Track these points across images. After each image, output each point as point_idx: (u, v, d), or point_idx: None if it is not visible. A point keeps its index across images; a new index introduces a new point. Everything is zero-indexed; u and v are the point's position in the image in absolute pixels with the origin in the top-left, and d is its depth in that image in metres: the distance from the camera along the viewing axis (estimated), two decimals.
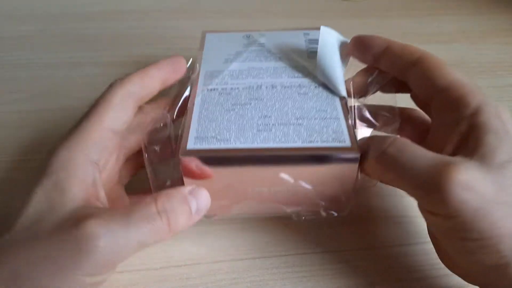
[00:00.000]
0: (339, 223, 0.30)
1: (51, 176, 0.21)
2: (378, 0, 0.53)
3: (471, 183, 0.20)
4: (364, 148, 0.24)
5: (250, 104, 0.27)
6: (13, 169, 0.33)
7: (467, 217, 0.20)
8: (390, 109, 0.28)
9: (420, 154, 0.21)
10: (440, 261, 0.25)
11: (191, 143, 0.24)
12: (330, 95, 0.28)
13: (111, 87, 0.25)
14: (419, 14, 0.49)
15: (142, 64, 0.27)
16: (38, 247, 0.20)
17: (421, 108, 0.29)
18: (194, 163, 0.23)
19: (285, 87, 0.29)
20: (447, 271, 0.25)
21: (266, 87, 0.29)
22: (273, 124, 0.26)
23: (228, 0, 0.52)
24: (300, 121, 0.26)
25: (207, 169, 0.24)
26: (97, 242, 0.19)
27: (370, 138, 0.24)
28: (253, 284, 0.27)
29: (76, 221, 0.20)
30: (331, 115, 0.26)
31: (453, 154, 0.22)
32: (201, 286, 0.27)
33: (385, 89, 0.28)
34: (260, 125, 0.26)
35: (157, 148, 0.25)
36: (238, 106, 0.27)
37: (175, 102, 0.27)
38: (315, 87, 0.29)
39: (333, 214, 0.27)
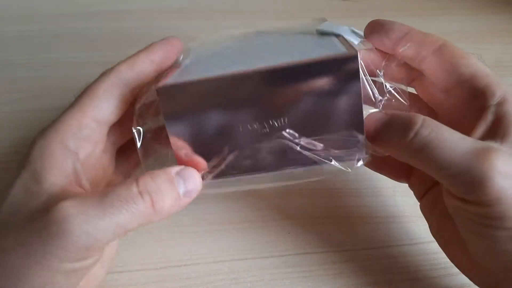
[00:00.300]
0: (339, 223, 0.30)
1: (29, 166, 0.21)
2: (378, 0, 0.53)
3: (509, 170, 0.19)
4: (383, 127, 0.22)
5: (239, 50, 0.25)
6: (13, 169, 0.33)
7: (506, 205, 0.19)
8: (400, 91, 0.26)
9: (457, 138, 0.20)
10: (440, 261, 0.25)
11: (168, 81, 0.22)
12: (330, 41, 0.24)
13: (99, 77, 0.24)
14: (419, 14, 0.49)
15: None
16: (11, 235, 0.19)
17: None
18: (183, 150, 0.23)
19: (282, 36, 0.26)
20: (447, 271, 0.25)
21: (260, 42, 0.26)
22: (262, 56, 0.23)
23: (228, 0, 0.52)
24: (293, 53, 0.23)
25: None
26: (68, 225, 0.18)
27: (392, 115, 0.22)
28: (253, 284, 0.27)
29: (49, 206, 0.19)
30: (329, 46, 0.23)
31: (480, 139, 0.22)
32: (201, 286, 0.27)
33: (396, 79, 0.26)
34: (248, 58, 0.23)
35: (146, 125, 0.23)
36: (226, 52, 0.25)
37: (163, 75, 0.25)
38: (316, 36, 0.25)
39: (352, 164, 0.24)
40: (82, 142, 0.22)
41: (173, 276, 0.27)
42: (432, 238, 0.26)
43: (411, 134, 0.21)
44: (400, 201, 0.31)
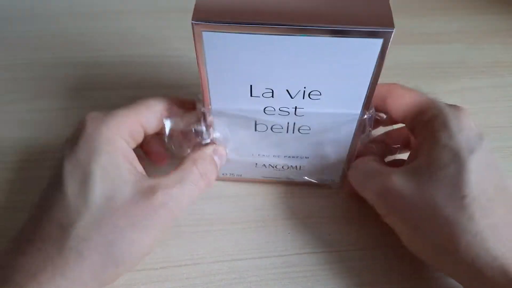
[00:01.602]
0: (339, 223, 0.30)
1: (102, 153, 0.24)
2: None
3: (395, 188, 0.24)
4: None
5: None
6: (13, 169, 0.33)
7: (395, 216, 0.25)
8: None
9: (369, 169, 0.27)
10: None
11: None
12: None
13: (153, 97, 0.28)
14: (419, 14, 0.49)
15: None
16: (123, 217, 0.23)
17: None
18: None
19: None
20: None
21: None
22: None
23: None
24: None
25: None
26: (167, 208, 0.24)
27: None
28: (253, 284, 0.27)
29: (147, 192, 0.24)
30: None
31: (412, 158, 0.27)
32: (201, 286, 0.27)
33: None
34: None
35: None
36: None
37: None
38: None
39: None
40: (131, 140, 0.26)
41: (173, 276, 0.27)
42: None
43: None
44: None
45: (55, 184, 0.23)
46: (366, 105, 0.25)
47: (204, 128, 0.27)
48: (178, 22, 0.46)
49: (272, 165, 0.31)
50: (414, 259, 0.28)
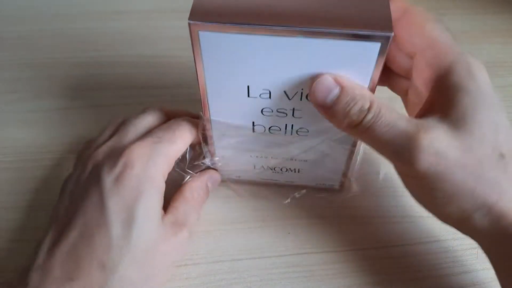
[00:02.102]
0: (340, 223, 0.30)
1: (147, 195, 0.25)
2: None
3: (436, 148, 0.21)
4: (332, 100, 0.23)
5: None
6: (13, 169, 0.33)
7: (432, 179, 0.22)
8: None
9: (394, 120, 0.22)
10: (441, 261, 0.25)
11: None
12: None
13: (183, 123, 0.28)
14: None
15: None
16: (159, 255, 0.25)
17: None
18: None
19: None
20: (448, 271, 0.25)
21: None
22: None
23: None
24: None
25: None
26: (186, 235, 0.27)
27: (343, 90, 0.23)
28: (253, 284, 0.27)
29: (175, 229, 0.26)
30: None
31: (427, 115, 0.23)
32: (201, 286, 0.27)
33: None
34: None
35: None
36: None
37: None
38: None
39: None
40: (167, 173, 0.27)
41: (173, 276, 0.27)
42: (433, 238, 0.26)
43: (358, 118, 0.22)
44: (400, 201, 0.31)
45: (98, 221, 0.23)
46: None
47: (206, 151, 0.29)
48: (178, 22, 0.46)
49: (271, 167, 0.30)
50: (415, 259, 0.28)
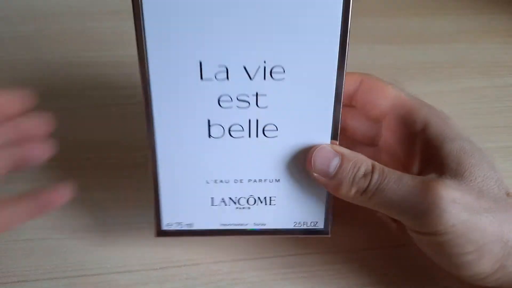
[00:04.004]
0: (340, 223, 0.30)
1: None
2: None
3: (455, 197, 0.20)
4: (334, 170, 0.22)
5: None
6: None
7: (459, 230, 0.20)
8: None
9: (398, 177, 0.22)
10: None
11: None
12: None
13: None
14: (419, 14, 0.49)
15: None
16: None
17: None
18: None
19: None
20: (447, 271, 0.25)
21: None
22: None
23: None
24: None
25: None
26: None
27: (344, 159, 0.22)
28: (253, 284, 0.27)
29: None
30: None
31: (420, 172, 0.23)
32: (201, 286, 0.27)
33: None
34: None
35: None
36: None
37: None
38: None
39: None
40: None
41: (173, 276, 0.27)
42: None
43: (365, 183, 0.22)
44: None
45: None
46: (339, 84, 0.21)
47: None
48: None
49: (234, 200, 0.25)
50: (415, 259, 0.28)
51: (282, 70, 0.21)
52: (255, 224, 0.25)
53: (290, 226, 0.25)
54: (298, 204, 0.25)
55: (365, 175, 0.22)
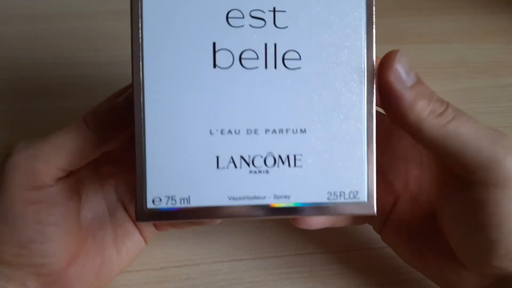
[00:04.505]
0: None
1: None
2: None
3: None
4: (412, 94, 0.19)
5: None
6: None
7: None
8: None
9: (477, 126, 0.20)
10: None
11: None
12: None
13: None
14: (419, 14, 0.49)
15: None
16: None
17: None
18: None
19: None
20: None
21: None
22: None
23: None
24: None
25: None
26: None
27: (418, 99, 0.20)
28: (253, 284, 0.27)
29: None
30: None
31: None
32: (201, 286, 0.27)
33: None
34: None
35: None
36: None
37: None
38: None
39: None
40: None
41: (173, 276, 0.27)
42: None
43: (442, 107, 0.20)
44: None
45: None
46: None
47: None
48: None
49: (247, 159, 0.18)
50: None
51: None
52: (275, 196, 0.19)
53: (323, 198, 0.19)
54: (332, 165, 0.19)
55: (441, 101, 0.20)
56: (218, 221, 0.23)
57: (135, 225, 0.26)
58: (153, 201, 0.18)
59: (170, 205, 0.18)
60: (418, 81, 0.20)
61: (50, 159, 0.21)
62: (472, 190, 0.21)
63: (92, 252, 0.24)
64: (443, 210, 0.23)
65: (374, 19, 0.19)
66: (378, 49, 0.20)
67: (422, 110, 0.19)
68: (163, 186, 0.18)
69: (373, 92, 0.19)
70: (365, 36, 0.19)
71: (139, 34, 0.17)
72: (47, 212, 0.21)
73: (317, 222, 0.23)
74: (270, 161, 0.18)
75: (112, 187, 0.26)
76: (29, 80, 0.40)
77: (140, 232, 0.26)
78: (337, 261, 0.28)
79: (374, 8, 0.19)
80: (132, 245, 0.25)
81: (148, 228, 0.26)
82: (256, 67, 0.18)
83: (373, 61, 0.19)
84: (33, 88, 0.39)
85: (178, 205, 0.18)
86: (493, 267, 0.21)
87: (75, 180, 0.24)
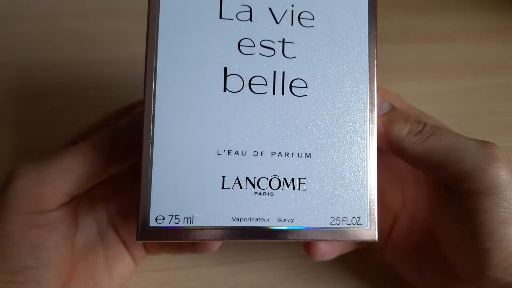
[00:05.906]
0: None
1: None
2: None
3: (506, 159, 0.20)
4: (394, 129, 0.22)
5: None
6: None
7: (498, 194, 0.20)
8: None
9: (457, 138, 0.21)
10: None
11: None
12: None
13: None
14: (420, 13, 0.49)
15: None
16: None
17: None
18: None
19: None
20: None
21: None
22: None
23: None
24: None
25: None
26: None
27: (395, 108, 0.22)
28: (254, 286, 0.27)
29: None
30: None
31: None
32: None
33: None
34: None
35: None
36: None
37: None
38: None
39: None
40: None
41: (172, 278, 0.27)
42: None
43: (419, 126, 0.22)
44: None
45: None
46: (372, 28, 0.20)
47: None
48: None
49: (252, 180, 0.18)
50: None
51: (311, 17, 0.19)
52: (279, 219, 0.19)
53: (326, 223, 0.19)
54: (335, 190, 0.19)
55: (418, 121, 0.22)
56: (218, 244, 0.23)
57: (126, 247, 0.25)
58: (156, 219, 0.18)
59: (173, 224, 0.18)
60: (392, 108, 0.22)
61: (58, 184, 0.21)
62: (462, 201, 0.21)
63: (84, 277, 0.24)
64: (437, 224, 0.23)
65: (376, 54, 0.20)
66: (380, 47, 0.21)
67: (400, 131, 0.21)
68: (167, 204, 0.18)
69: (374, 121, 0.20)
70: (368, 69, 0.20)
71: (153, 55, 0.18)
72: (45, 237, 0.21)
73: (330, 253, 0.25)
74: (275, 183, 0.19)
75: (103, 209, 0.26)
76: (27, 80, 0.40)
77: (131, 255, 0.26)
78: (338, 264, 0.28)
79: (376, 44, 0.20)
80: (123, 268, 0.25)
81: (139, 251, 0.26)
82: (265, 93, 0.19)
83: (374, 92, 0.20)
84: (33, 88, 0.39)
85: (181, 224, 0.18)
86: (488, 279, 0.21)
87: (76, 204, 0.23)
